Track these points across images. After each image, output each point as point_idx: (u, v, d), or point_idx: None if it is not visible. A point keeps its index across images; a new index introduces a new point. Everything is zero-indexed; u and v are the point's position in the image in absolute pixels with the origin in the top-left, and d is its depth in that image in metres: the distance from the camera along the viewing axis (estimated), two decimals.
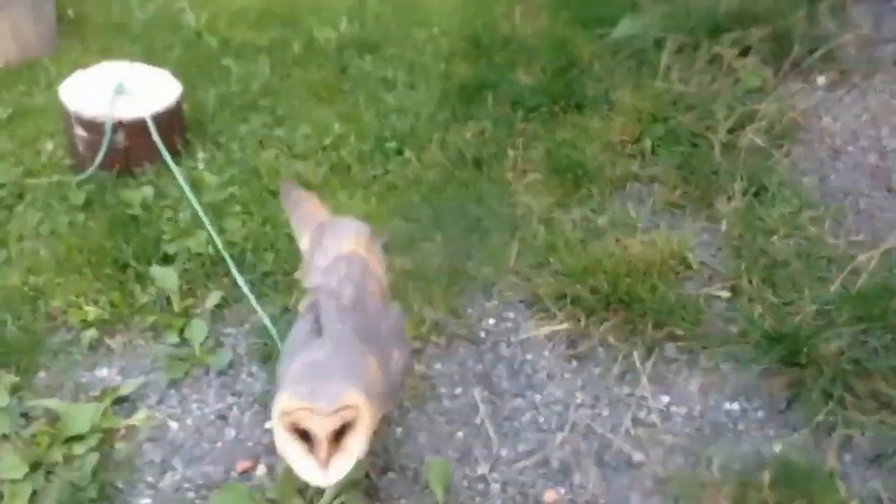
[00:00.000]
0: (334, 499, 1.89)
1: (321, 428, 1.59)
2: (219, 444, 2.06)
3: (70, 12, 3.75)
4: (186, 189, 2.62)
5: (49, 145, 2.93)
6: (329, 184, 2.74)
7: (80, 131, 2.75)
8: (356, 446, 1.64)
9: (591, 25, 3.38)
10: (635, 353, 2.22)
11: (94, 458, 1.97)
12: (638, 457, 2.04)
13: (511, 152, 2.85)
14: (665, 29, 3.13)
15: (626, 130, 2.89)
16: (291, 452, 1.67)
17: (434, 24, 3.58)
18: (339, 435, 1.64)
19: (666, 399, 2.16)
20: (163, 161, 2.76)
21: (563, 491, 1.97)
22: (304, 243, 2.09)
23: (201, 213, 2.53)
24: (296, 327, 1.92)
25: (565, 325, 2.31)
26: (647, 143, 2.83)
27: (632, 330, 2.27)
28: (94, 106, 2.74)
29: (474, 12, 3.71)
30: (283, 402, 1.62)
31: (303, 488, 1.89)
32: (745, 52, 3.01)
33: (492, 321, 2.36)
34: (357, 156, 2.86)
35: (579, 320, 2.31)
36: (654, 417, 2.11)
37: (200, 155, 2.84)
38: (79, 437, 2.01)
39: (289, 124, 3.04)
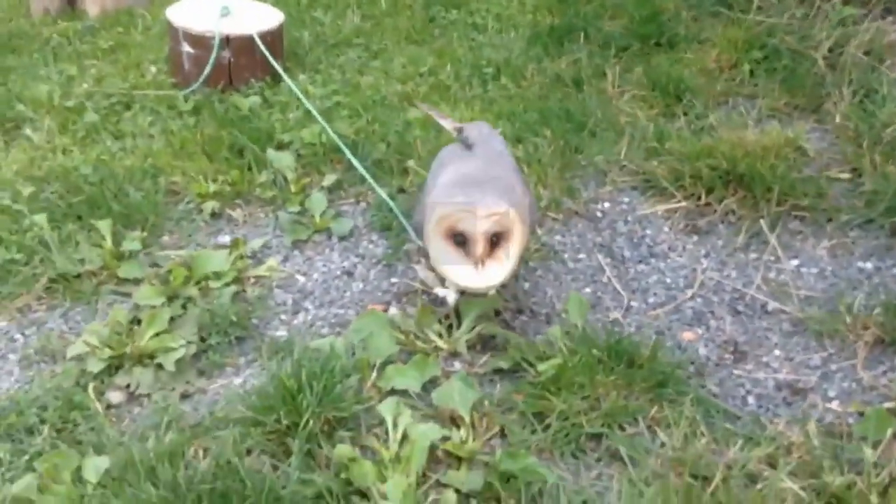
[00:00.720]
0: (473, 328, 1.93)
1: (477, 228, 1.67)
2: (347, 294, 2.12)
3: None
4: (296, 90, 2.74)
5: (152, 68, 3.07)
6: (430, 99, 2.85)
7: (186, 47, 2.89)
8: (509, 255, 1.71)
9: None
10: (762, 222, 2.27)
11: (229, 291, 2.02)
12: (773, 305, 2.08)
13: (609, 73, 2.96)
14: None
15: (722, 58, 3.01)
16: (447, 258, 1.74)
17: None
18: (492, 246, 1.71)
19: (795, 262, 2.21)
20: (265, 77, 2.90)
21: (700, 331, 2.01)
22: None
23: (313, 110, 2.64)
24: (440, 154, 2.01)
25: (683, 203, 2.38)
26: (746, 68, 2.94)
27: (753, 205, 2.33)
28: (201, 22, 2.89)
29: None
30: (441, 207, 1.70)
31: (440, 319, 1.94)
32: None
33: (607, 204, 2.43)
34: (455, 79, 2.98)
35: (699, 198, 2.38)
36: (785, 277, 2.15)
37: (302, 77, 2.97)
38: (213, 275, 2.07)
39: (384, 57, 3.19)
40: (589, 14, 3.40)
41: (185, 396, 1.82)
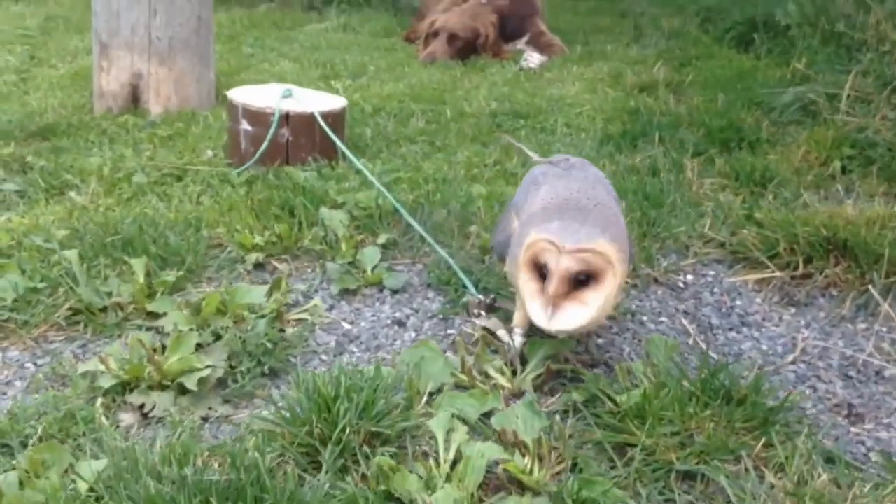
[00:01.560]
0: (538, 376, 1.74)
1: (557, 264, 1.52)
2: (398, 342, 1.94)
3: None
4: (355, 160, 2.68)
5: (209, 152, 3.06)
6: (496, 182, 2.76)
7: (245, 125, 2.89)
8: (595, 300, 1.54)
9: (749, 104, 3.50)
10: (872, 291, 2.07)
11: (265, 322, 1.86)
12: (891, 371, 1.85)
13: (688, 164, 2.86)
14: (838, 86, 3.24)
15: (810, 157, 2.90)
16: (527, 289, 1.58)
17: (583, 105, 3.76)
18: (576, 286, 1.55)
19: None
20: (323, 158, 2.87)
21: (807, 392, 1.78)
22: None
23: (370, 175, 2.57)
24: (532, 172, 1.89)
25: (778, 274, 2.20)
26: (837, 164, 2.82)
27: (859, 275, 2.14)
28: (262, 100, 2.90)
29: (623, 98, 3.90)
30: (531, 235, 1.57)
31: (505, 362, 1.76)
32: None
33: (689, 276, 2.26)
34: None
35: (794, 268, 2.19)
36: None
37: (362, 160, 2.93)
38: (249, 309, 1.92)
39: (447, 151, 3.14)
40: (663, 123, 3.35)
41: (205, 420, 1.62)
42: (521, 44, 5.30)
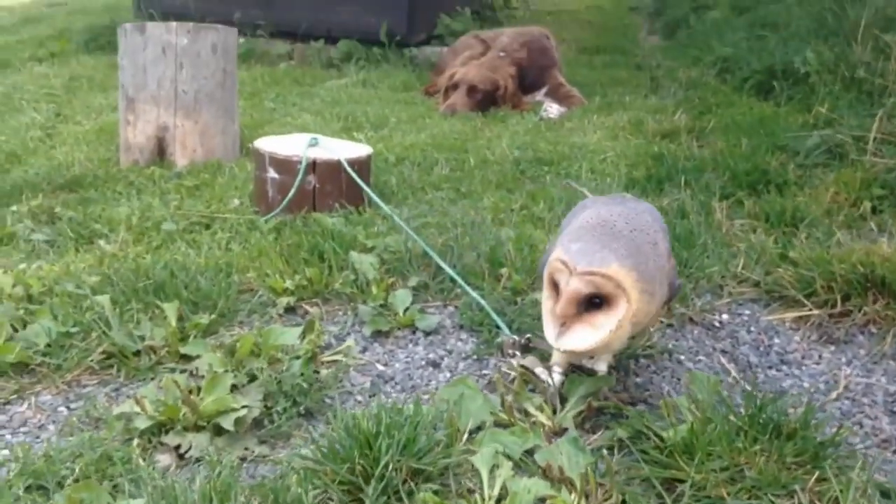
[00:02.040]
0: (579, 413, 1.71)
1: (566, 285, 1.52)
2: (433, 383, 1.92)
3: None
4: (382, 204, 2.69)
5: (236, 201, 3.08)
6: (522, 227, 2.76)
7: (272, 173, 2.91)
8: (606, 324, 1.53)
9: (773, 149, 3.50)
10: None
11: (299, 363, 1.85)
12: None
13: (716, 207, 2.85)
14: (863, 129, 3.24)
15: (839, 198, 2.89)
16: (544, 308, 1.59)
17: (606, 152, 3.77)
18: (594, 307, 1.55)
19: None
20: (350, 205, 2.88)
21: (854, 428, 1.74)
22: None
23: (398, 220, 2.57)
24: (583, 201, 1.89)
25: (816, 312, 2.17)
26: (867, 205, 2.81)
27: None
28: (288, 148, 2.93)
29: (645, 144, 3.91)
30: (556, 251, 1.57)
31: (545, 400, 1.74)
32: None
33: (725, 315, 2.24)
34: (549, 211, 2.91)
35: (832, 306, 2.17)
36: None
37: (389, 206, 2.93)
38: (283, 350, 1.91)
39: (473, 197, 3.15)
40: (687, 167, 3.35)
41: (243, 460, 1.60)
42: (539, 95, 5.35)
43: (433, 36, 7.23)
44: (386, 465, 1.38)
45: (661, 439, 1.53)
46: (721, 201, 2.97)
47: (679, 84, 5.46)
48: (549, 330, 1.58)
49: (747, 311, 2.25)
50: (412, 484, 1.40)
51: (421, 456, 1.44)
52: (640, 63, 7.00)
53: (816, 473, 1.42)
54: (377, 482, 1.37)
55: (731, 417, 1.54)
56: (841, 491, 1.38)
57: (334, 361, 1.96)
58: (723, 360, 2.02)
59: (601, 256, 1.52)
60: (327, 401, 1.81)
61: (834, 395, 1.87)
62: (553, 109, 4.92)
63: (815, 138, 3.39)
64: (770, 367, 2.01)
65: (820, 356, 2.05)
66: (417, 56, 6.89)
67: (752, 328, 2.17)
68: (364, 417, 1.45)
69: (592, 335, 1.53)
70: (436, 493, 1.39)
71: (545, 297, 1.60)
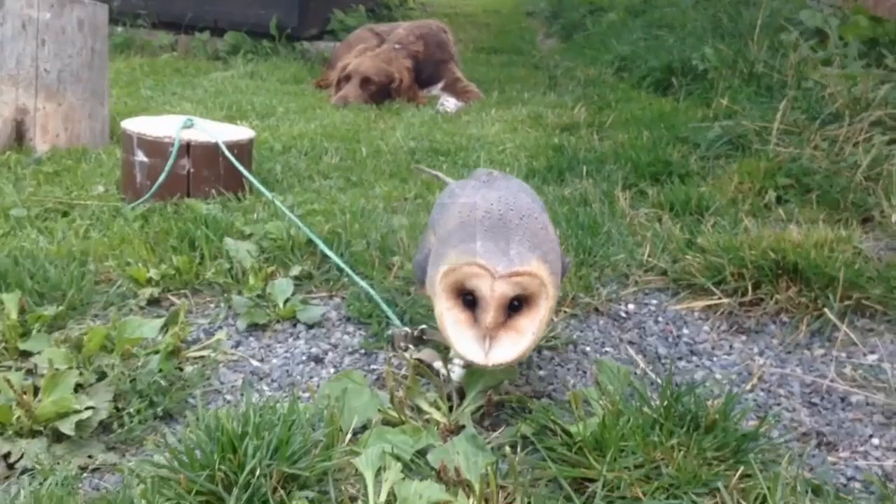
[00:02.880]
0: (478, 409, 1.55)
1: (492, 290, 1.34)
2: (315, 379, 1.73)
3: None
4: (264, 190, 2.48)
5: (100, 188, 2.81)
6: (418, 216, 2.58)
7: (140, 156, 2.66)
8: (530, 326, 1.37)
9: (674, 141, 3.42)
10: (830, 314, 1.94)
11: (157, 360, 1.63)
12: (857, 397, 1.71)
13: (620, 196, 2.74)
14: (766, 120, 3.19)
15: (743, 187, 2.82)
16: (451, 321, 1.40)
17: (505, 144, 3.64)
18: (509, 313, 1.38)
19: (874, 356, 1.87)
20: (229, 192, 2.65)
21: (772, 421, 1.63)
22: None
23: (282, 207, 2.37)
24: (449, 186, 1.71)
25: (725, 301, 2.06)
26: (772, 194, 2.74)
27: (812, 300, 2.02)
28: (159, 129, 2.68)
29: (545, 136, 3.80)
30: (450, 257, 1.39)
31: (440, 396, 1.56)
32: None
33: (631, 305, 2.11)
34: None
35: (742, 294, 2.07)
36: (864, 372, 1.80)
37: (273, 194, 2.72)
38: (140, 345, 1.69)
39: (365, 185, 2.96)
40: (589, 158, 3.24)
41: (83, 469, 1.37)
42: (436, 90, 5.20)
43: (326, 31, 7.01)
44: (252, 471, 1.18)
45: (569, 435, 1.37)
46: (624, 191, 2.86)
47: (577, 82, 5.39)
48: (471, 345, 1.38)
49: (654, 301, 2.12)
50: (284, 492, 1.20)
51: (295, 459, 1.24)
52: (538, 63, 6.94)
53: (741, 469, 1.28)
54: (241, 490, 1.17)
55: (645, 409, 1.39)
56: (769, 488, 1.24)
57: (201, 357, 1.74)
58: (630, 351, 1.89)
59: (517, 254, 1.35)
60: (191, 401, 1.60)
61: (748, 386, 1.75)
62: (450, 103, 4.78)
63: (717, 130, 3.33)
64: (680, 359, 1.89)
65: (731, 346, 1.94)
66: (310, 50, 6.66)
67: (660, 318, 2.05)
68: (229, 417, 1.25)
69: (521, 341, 1.37)
70: (311, 501, 1.19)
71: (447, 307, 1.40)
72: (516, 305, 1.36)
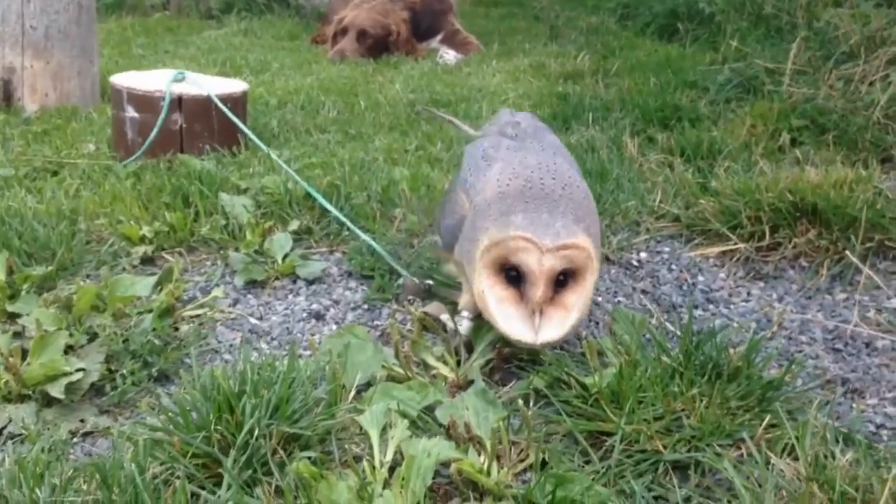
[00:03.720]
0: (487, 363, 1.48)
1: (540, 265, 1.26)
2: (316, 336, 1.66)
3: None
4: (260, 143, 2.40)
5: (91, 146, 2.73)
6: (419, 167, 2.50)
7: (130, 112, 2.57)
8: (577, 302, 1.29)
9: (682, 86, 3.32)
10: (851, 256, 1.87)
11: (150, 319, 1.56)
12: (883, 342, 1.64)
13: (628, 142, 2.65)
14: (776, 61, 3.09)
15: (756, 130, 2.72)
16: (495, 298, 1.31)
17: (507, 94, 3.54)
18: (556, 288, 1.30)
19: None
20: (223, 147, 2.57)
21: (796, 368, 1.55)
22: None
23: (278, 160, 2.29)
24: (477, 145, 1.60)
25: (741, 246, 1.99)
26: (786, 136, 2.64)
27: (831, 243, 1.94)
28: (150, 83, 2.59)
29: (548, 85, 3.70)
30: (491, 231, 1.30)
31: (447, 350, 1.49)
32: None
33: (643, 254, 2.04)
34: (448, 151, 2.66)
35: (759, 238, 1.99)
36: (889, 316, 1.73)
37: (269, 149, 2.63)
38: (133, 304, 1.62)
39: (364, 139, 2.87)
40: (595, 105, 3.14)
41: (74, 434, 1.30)
42: (434, 42, 5.08)
43: None
44: (251, 431, 1.11)
45: (584, 387, 1.31)
46: (633, 137, 2.76)
47: (580, 31, 5.27)
48: (518, 325, 1.29)
49: (667, 248, 2.05)
50: (284, 453, 1.14)
51: (296, 419, 1.18)
52: (539, 14, 6.78)
53: (766, 418, 1.21)
54: (238, 452, 1.10)
55: (664, 358, 1.32)
56: (797, 437, 1.17)
57: (197, 316, 1.67)
58: (644, 300, 1.82)
59: (563, 225, 1.26)
60: (187, 361, 1.53)
61: (768, 333, 1.68)
62: (449, 56, 4.67)
63: (727, 73, 3.23)
64: (696, 307, 1.81)
65: (749, 293, 1.87)
66: (305, 7, 6.52)
67: (674, 266, 1.98)
68: (225, 376, 1.18)
69: (568, 318, 1.29)
70: (314, 462, 1.13)
71: (488, 284, 1.31)
72: (562, 280, 1.28)
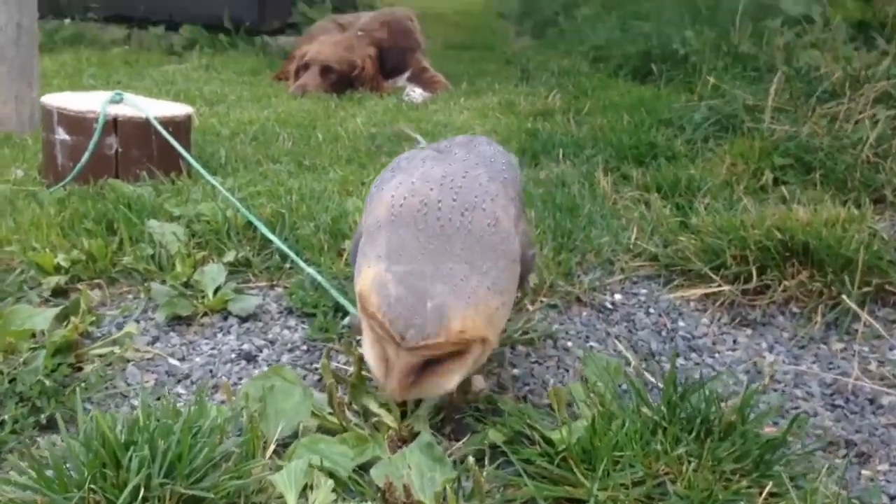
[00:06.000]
0: (437, 412, 1.27)
1: (397, 357, 1.07)
2: (243, 381, 1.44)
3: None
4: (200, 169, 2.20)
5: (19, 172, 2.51)
6: None
7: (61, 134, 2.37)
8: (456, 370, 1.11)
9: (657, 124, 3.17)
10: (849, 302, 1.69)
11: (43, 356, 1.34)
12: (889, 398, 1.46)
13: (601, 178, 2.48)
14: (756, 99, 2.95)
15: (737, 168, 2.57)
16: (367, 339, 1.13)
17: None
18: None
19: None
20: (162, 173, 2.37)
21: (797, 426, 1.36)
22: None
23: (218, 186, 2.09)
24: (397, 160, 1.43)
25: (725, 288, 1.81)
26: (769, 175, 2.48)
27: (827, 287, 1.76)
28: (83, 104, 2.39)
29: (517, 122, 3.53)
30: (364, 276, 1.11)
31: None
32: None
33: (618, 295, 1.85)
34: None
35: (745, 280, 1.81)
36: (893, 369, 1.55)
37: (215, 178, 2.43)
38: (29, 339, 1.40)
39: (319, 171, 2.68)
40: (566, 142, 2.98)
41: None
42: (402, 80, 4.92)
43: (289, 25, 6.72)
44: (135, 493, 0.89)
45: (550, 443, 1.10)
46: (606, 174, 2.59)
47: (551, 73, 5.13)
48: (383, 380, 1.11)
49: (644, 290, 1.87)
50: None
51: (198, 477, 0.96)
52: (510, 58, 6.69)
53: (768, 485, 1.01)
54: None
55: (644, 410, 1.13)
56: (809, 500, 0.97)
57: (104, 355, 1.45)
58: (619, 346, 1.62)
59: (435, 307, 1.06)
60: (88, 406, 1.30)
61: (759, 386, 1.49)
62: (416, 94, 4.51)
63: (703, 110, 3.09)
64: (676, 356, 1.62)
65: (735, 341, 1.69)
66: (271, 45, 6.37)
67: (652, 309, 1.79)
68: (111, 422, 0.96)
69: (443, 383, 1.10)
70: None
71: (368, 339, 1.13)
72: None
